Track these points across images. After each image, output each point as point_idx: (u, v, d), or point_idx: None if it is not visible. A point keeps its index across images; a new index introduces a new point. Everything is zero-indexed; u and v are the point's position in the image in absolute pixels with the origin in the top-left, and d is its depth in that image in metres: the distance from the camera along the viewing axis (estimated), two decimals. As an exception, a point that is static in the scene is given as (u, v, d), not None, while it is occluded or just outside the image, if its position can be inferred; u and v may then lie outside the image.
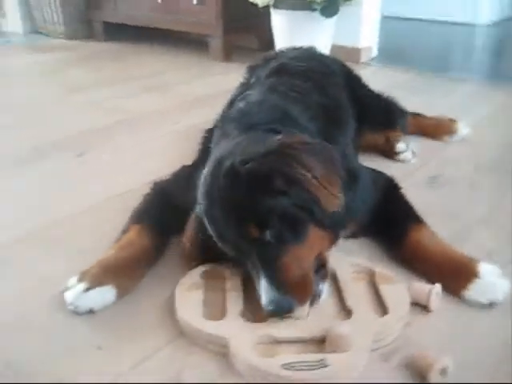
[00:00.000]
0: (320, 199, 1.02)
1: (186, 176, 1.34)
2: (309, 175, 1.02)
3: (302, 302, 0.99)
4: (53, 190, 1.67)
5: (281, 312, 0.99)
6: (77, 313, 1.08)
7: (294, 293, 0.98)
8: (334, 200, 1.04)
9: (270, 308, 0.98)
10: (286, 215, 1.01)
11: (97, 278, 1.10)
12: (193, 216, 1.17)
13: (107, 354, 1.00)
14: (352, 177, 1.25)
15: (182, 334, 1.04)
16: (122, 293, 1.12)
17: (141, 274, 1.18)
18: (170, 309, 1.10)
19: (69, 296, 1.08)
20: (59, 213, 1.50)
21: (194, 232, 1.16)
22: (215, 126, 1.46)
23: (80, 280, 1.10)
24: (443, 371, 0.91)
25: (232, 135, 1.19)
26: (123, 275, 1.13)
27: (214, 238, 1.08)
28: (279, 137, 1.09)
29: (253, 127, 1.19)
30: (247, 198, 1.01)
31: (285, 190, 1.01)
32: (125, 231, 1.25)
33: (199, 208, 1.12)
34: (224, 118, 1.35)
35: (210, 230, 1.08)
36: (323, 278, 1.06)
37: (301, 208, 1.02)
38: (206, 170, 1.12)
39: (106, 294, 1.09)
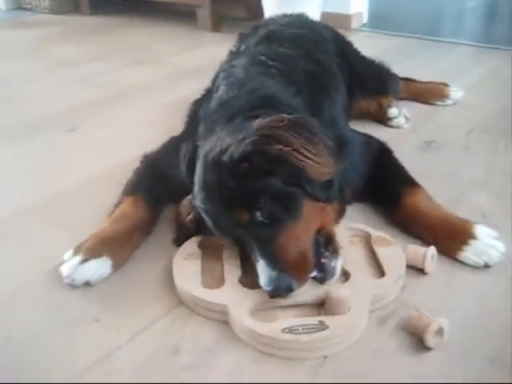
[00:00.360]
0: (306, 171, 1.00)
1: (174, 147, 1.32)
2: (289, 149, 1.00)
3: (301, 280, 0.97)
4: (45, 165, 1.65)
5: (280, 292, 0.96)
6: (73, 286, 1.08)
7: (293, 271, 0.96)
8: (321, 169, 1.02)
9: (269, 288, 0.96)
10: (275, 194, 0.98)
11: (92, 250, 1.09)
12: (186, 201, 1.17)
13: (105, 326, 1.00)
14: (342, 143, 1.24)
15: (179, 303, 1.04)
16: (117, 264, 1.12)
17: (135, 245, 1.18)
18: (166, 279, 1.10)
19: (65, 269, 1.08)
20: (52, 188, 1.49)
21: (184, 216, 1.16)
22: (200, 113, 1.39)
23: (75, 253, 1.10)
24: (439, 332, 0.92)
25: (216, 130, 1.14)
26: (118, 246, 1.13)
27: (213, 232, 1.07)
28: (257, 121, 1.06)
29: (233, 118, 1.14)
30: (232, 185, 0.99)
31: (267, 168, 0.99)
32: (118, 204, 1.24)
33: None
34: (206, 111, 1.29)
35: (209, 226, 1.07)
36: (334, 253, 1.03)
37: (290, 184, 1.00)
38: (197, 170, 1.10)
39: (101, 266, 1.09)
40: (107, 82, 2.42)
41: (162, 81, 2.42)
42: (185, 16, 3.56)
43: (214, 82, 1.51)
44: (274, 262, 0.96)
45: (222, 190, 1.00)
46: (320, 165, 1.02)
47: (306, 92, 1.31)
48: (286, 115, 1.07)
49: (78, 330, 0.99)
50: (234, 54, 1.63)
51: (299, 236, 0.99)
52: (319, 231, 1.03)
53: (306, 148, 1.02)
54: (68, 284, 1.08)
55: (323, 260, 1.01)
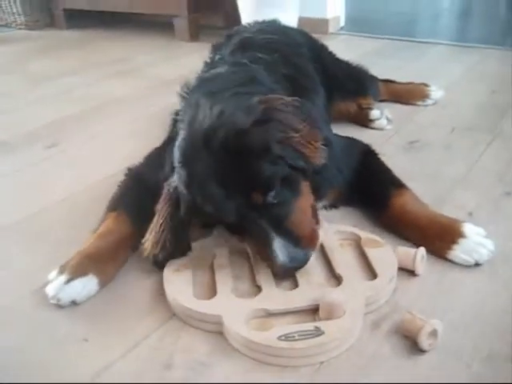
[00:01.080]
0: (307, 156, 1.07)
1: (156, 158, 1.31)
2: (297, 136, 1.05)
3: (314, 248, 1.06)
4: (25, 183, 1.62)
5: (301, 264, 1.03)
6: (60, 306, 1.05)
7: (307, 243, 1.04)
8: (319, 153, 1.08)
9: (291, 264, 1.01)
10: (285, 176, 1.04)
11: (77, 268, 1.07)
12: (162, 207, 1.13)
13: (94, 345, 0.98)
14: (325, 146, 1.23)
15: (170, 317, 1.02)
16: (103, 281, 1.10)
17: (121, 261, 1.16)
18: (156, 293, 1.08)
19: (50, 289, 1.05)
20: (34, 206, 1.46)
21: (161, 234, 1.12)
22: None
23: (60, 272, 1.07)
24: (433, 333, 0.91)
25: (200, 104, 1.11)
26: (103, 263, 1.11)
27: (213, 214, 1.05)
28: (257, 99, 1.08)
29: (218, 93, 1.14)
30: (249, 168, 1.01)
31: (281, 154, 1.03)
32: (103, 220, 1.22)
33: (184, 186, 1.07)
34: (188, 91, 1.29)
35: (207, 207, 1.05)
36: (317, 223, 1.11)
37: (293, 166, 1.05)
38: (182, 145, 1.08)
39: (87, 284, 1.07)
40: (86, 95, 2.40)
41: (142, 93, 2.41)
42: (162, 27, 3.55)
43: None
44: (290, 238, 1.01)
45: (237, 173, 1.01)
46: (317, 149, 1.08)
47: (287, 91, 1.30)
48: (285, 97, 1.11)
49: (66, 350, 0.97)
50: (209, 65, 1.61)
51: (304, 211, 1.08)
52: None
53: (308, 134, 1.07)
54: (54, 304, 1.05)
55: None
